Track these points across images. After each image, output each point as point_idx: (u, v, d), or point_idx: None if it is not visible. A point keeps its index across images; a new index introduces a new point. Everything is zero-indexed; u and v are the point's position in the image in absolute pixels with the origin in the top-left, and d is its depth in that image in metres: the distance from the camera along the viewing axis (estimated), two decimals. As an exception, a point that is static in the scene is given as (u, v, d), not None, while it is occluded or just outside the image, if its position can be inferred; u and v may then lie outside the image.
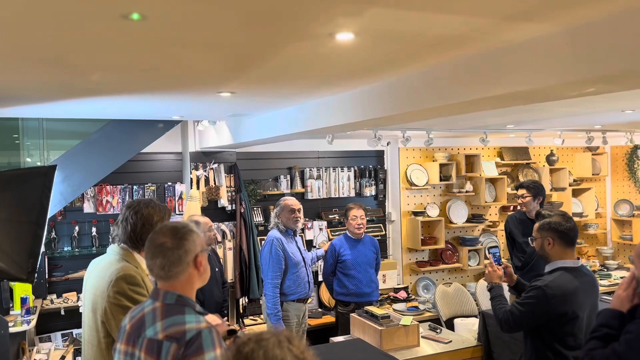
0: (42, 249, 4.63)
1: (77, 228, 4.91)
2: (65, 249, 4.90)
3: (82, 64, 2.30)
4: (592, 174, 7.19)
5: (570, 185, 7.00)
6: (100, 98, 3.24)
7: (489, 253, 3.17)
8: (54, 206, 4.50)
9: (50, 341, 4.74)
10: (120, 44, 1.96)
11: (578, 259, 2.72)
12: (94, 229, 4.94)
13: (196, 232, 1.82)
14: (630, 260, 5.64)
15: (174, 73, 2.51)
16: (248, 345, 1.19)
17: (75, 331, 4.75)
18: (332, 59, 2.28)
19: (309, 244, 5.78)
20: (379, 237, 6.00)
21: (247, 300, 5.37)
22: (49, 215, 4.33)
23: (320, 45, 2.02)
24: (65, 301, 4.73)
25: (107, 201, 4.99)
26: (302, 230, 5.74)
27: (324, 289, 5.76)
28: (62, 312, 4.65)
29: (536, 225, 2.78)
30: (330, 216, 5.96)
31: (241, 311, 5.38)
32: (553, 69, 1.91)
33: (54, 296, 4.82)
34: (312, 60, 2.30)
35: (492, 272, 3.00)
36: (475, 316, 4.93)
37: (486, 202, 6.45)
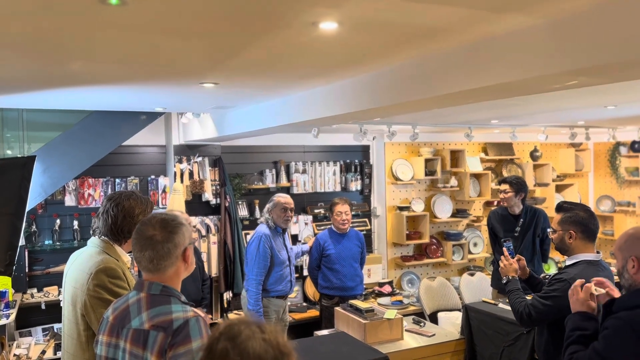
0: (23, 242, 4.57)
1: (58, 221, 4.84)
2: (46, 242, 4.83)
3: (61, 52, 2.25)
4: (575, 170, 7.27)
5: (553, 181, 7.07)
6: (81, 88, 3.18)
7: (503, 246, 3.14)
8: (34, 198, 4.42)
9: (31, 336, 4.67)
10: (98, 30, 1.92)
11: (598, 252, 2.68)
12: (75, 223, 4.88)
13: (185, 225, 1.80)
14: (611, 254, 5.70)
15: (154, 62, 2.47)
16: (220, 342, 1.15)
17: (56, 326, 4.68)
18: (315, 49, 2.26)
19: (294, 239, 5.77)
20: (364, 232, 6.00)
21: (231, 294, 5.35)
22: (28, 208, 4.28)
23: (304, 34, 2.00)
24: (46, 295, 4.67)
25: (89, 194, 4.92)
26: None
27: (308, 283, 5.76)
28: (43, 307, 4.58)
29: (557, 217, 2.73)
30: (316, 210, 5.95)
31: (225, 305, 5.35)
32: (535, 61, 1.91)
33: (34, 290, 4.75)
34: (295, 50, 2.27)
35: (508, 265, 2.96)
36: (459, 310, 4.96)
37: (470, 197, 6.49)
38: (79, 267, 2.29)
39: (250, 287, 4.16)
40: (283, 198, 4.28)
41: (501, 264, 3.01)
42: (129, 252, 2.41)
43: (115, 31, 1.93)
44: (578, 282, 2.15)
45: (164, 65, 2.54)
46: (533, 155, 7.07)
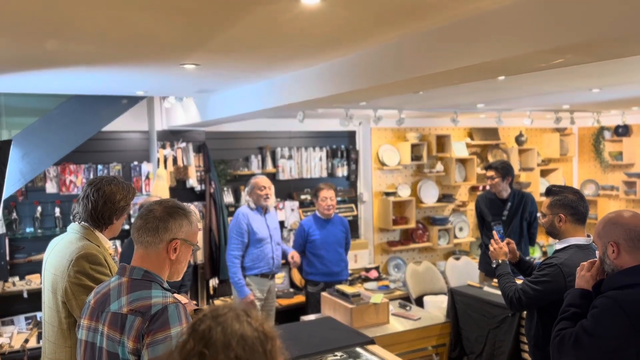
0: (3, 230, 4.49)
1: (39, 208, 4.76)
2: (28, 230, 4.75)
3: (34, 30, 2.17)
4: (560, 155, 7.32)
5: (538, 166, 7.12)
6: (58, 70, 3.09)
7: (493, 230, 3.12)
8: (13, 184, 4.34)
9: (13, 324, 4.60)
10: (69, 5, 1.85)
11: (589, 236, 2.64)
12: (57, 210, 4.80)
13: (189, 220, 1.75)
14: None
15: (131, 41, 2.39)
16: (204, 322, 1.13)
17: (39, 314, 4.62)
18: (298, 27, 2.20)
19: (281, 225, 5.74)
20: (351, 218, 6.00)
21: (217, 281, 5.32)
22: (7, 194, 4.20)
23: (285, 10, 1.94)
24: (28, 283, 4.60)
25: (71, 181, 4.84)
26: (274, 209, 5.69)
27: (295, 269, 5.74)
28: (25, 295, 4.52)
29: (546, 201, 2.70)
30: (302, 197, 5.92)
31: (211, 292, 5.33)
32: (520, 39, 1.88)
33: (16, 278, 4.68)
34: (277, 28, 2.22)
35: (498, 249, 2.94)
36: (445, 294, 4.99)
37: (456, 182, 6.51)
38: (58, 253, 2.25)
39: (228, 261, 4.34)
40: (258, 178, 4.46)
41: (491, 248, 2.99)
42: (110, 239, 2.37)
43: (86, 5, 1.86)
44: (590, 261, 2.14)
45: (142, 44, 2.46)
46: (518, 140, 7.10)
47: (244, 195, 4.48)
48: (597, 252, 2.11)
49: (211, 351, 1.09)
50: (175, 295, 1.77)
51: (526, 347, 3.34)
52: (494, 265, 2.96)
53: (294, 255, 4.51)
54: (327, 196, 4.64)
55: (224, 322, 1.12)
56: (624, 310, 1.86)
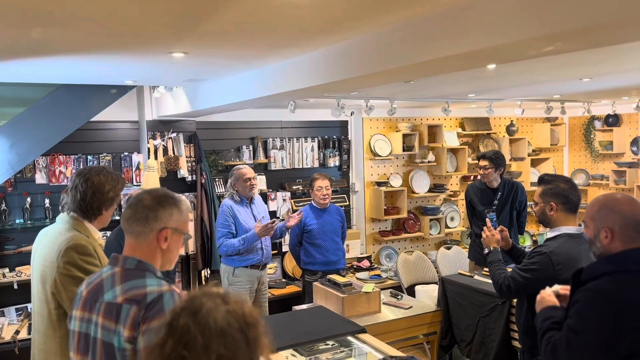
0: (-8, 221, 4.45)
1: (29, 199, 4.72)
2: (17, 221, 4.71)
3: (19, 17, 2.14)
4: (551, 144, 7.36)
5: (529, 155, 7.15)
6: (45, 59, 3.05)
7: (486, 218, 3.13)
8: (2, 175, 4.30)
9: (4, 316, 4.59)
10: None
11: (580, 225, 2.60)
12: (47, 201, 4.76)
13: (179, 209, 1.74)
14: (581, 224, 5.78)
15: (117, 28, 2.35)
16: (181, 317, 1.10)
17: (29, 305, 4.57)
18: (287, 14, 2.18)
19: (272, 215, 5.73)
20: (343, 208, 6.00)
21: (209, 271, 5.32)
22: (-5, 185, 4.14)
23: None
24: (19, 275, 4.57)
25: (60, 171, 4.80)
26: (265, 201, 5.68)
27: (287, 259, 5.75)
28: (15, 286, 4.49)
29: (538, 189, 2.71)
30: (294, 187, 5.91)
31: (203, 283, 5.33)
32: (511, 26, 1.87)
33: (6, 270, 4.65)
34: (265, 15, 2.20)
35: (490, 236, 2.96)
36: (436, 283, 5.01)
37: (447, 172, 6.53)
38: (47, 244, 2.24)
39: (220, 251, 4.29)
40: (243, 169, 4.37)
41: (484, 235, 3.00)
42: (100, 230, 2.36)
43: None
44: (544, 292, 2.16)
45: (129, 32, 2.42)
46: (509, 130, 7.13)
47: (228, 188, 4.40)
48: (584, 231, 2.07)
49: (192, 354, 1.06)
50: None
51: (516, 335, 3.37)
52: (486, 252, 2.97)
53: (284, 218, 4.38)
54: (323, 185, 4.65)
55: (202, 319, 1.08)
56: (606, 299, 1.82)
